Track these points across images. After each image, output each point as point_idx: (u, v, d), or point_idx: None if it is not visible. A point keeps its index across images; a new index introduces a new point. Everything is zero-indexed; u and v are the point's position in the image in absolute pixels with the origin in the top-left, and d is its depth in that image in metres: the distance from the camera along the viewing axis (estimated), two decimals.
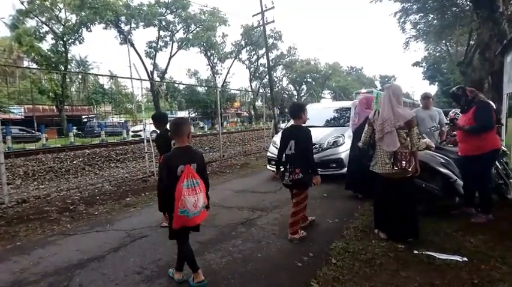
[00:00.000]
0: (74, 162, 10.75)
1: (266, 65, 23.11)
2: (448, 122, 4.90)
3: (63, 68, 25.88)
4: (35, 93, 27.17)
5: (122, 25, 28.48)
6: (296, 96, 52.66)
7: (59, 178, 8.77)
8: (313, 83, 54.58)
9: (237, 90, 40.64)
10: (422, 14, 21.56)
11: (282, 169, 3.68)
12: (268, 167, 7.57)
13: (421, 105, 5.66)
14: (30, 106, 29.23)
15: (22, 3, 23.78)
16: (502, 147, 4.29)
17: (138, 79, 8.52)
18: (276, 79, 48.02)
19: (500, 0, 9.20)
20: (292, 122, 3.86)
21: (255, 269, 2.97)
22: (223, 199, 5.55)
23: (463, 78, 19.35)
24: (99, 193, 6.46)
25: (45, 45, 25.90)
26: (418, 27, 23.76)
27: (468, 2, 16.03)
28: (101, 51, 77.80)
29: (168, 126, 4.44)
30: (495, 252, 3.05)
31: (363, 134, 3.73)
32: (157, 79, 32.88)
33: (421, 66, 40.74)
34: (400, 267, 2.86)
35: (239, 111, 53.16)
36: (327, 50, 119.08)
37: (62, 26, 25.49)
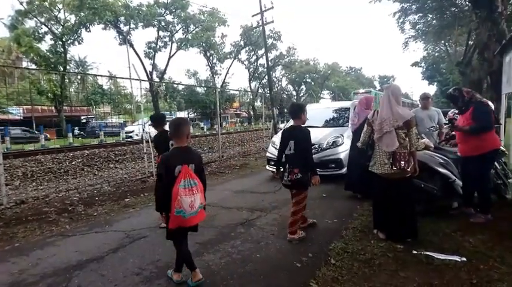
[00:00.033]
0: (73, 163, 10.74)
1: (265, 65, 23.10)
2: (447, 122, 4.90)
3: (62, 69, 25.86)
4: (34, 93, 27.12)
5: (121, 25, 28.43)
6: (295, 97, 52.60)
7: (58, 179, 8.76)
8: (312, 83, 54.56)
9: (236, 90, 40.63)
10: (421, 14, 21.59)
11: (282, 169, 3.68)
12: (267, 167, 7.57)
13: (420, 106, 5.67)
14: (29, 107, 29.20)
15: (21, 3, 23.76)
16: (501, 147, 4.30)
17: (137, 79, 8.51)
18: (275, 79, 48.02)
19: (499, 0, 9.21)
20: (291, 122, 3.86)
21: (254, 269, 2.96)
22: (223, 200, 5.55)
23: (462, 78, 19.38)
24: (98, 194, 6.46)
25: (44, 45, 25.93)
26: (417, 28, 23.80)
27: (467, 2, 16.07)
28: (100, 52, 77.86)
29: (166, 127, 4.45)
30: (494, 252, 3.05)
31: (362, 134, 3.74)
32: (157, 79, 32.85)
33: (420, 66, 40.83)
34: (399, 267, 2.87)
35: (238, 112, 53.14)
36: (326, 50, 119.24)
37: (61, 27, 25.45)
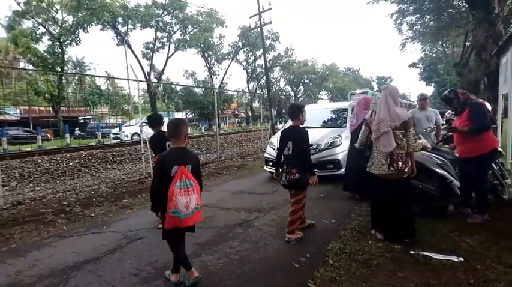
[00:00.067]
0: (70, 163, 10.69)
1: (263, 66, 23.12)
2: (444, 123, 4.93)
3: (59, 69, 25.76)
4: (31, 94, 26.99)
5: (119, 26, 28.38)
6: (293, 97, 52.70)
7: (55, 180, 8.73)
8: (310, 84, 54.68)
9: (234, 91, 40.59)
10: (418, 16, 21.73)
11: (280, 170, 3.69)
12: (265, 168, 7.57)
13: (417, 106, 5.68)
14: (26, 107, 29.07)
15: (18, 4, 23.68)
16: (498, 147, 4.32)
17: (135, 80, 8.50)
18: (273, 80, 48.10)
19: (495, 1, 9.27)
20: (290, 123, 3.87)
21: (252, 270, 2.96)
22: (221, 200, 5.54)
23: (459, 79, 19.48)
24: (96, 195, 6.44)
25: (42, 46, 25.80)
26: (414, 29, 23.94)
27: (464, 4, 16.15)
28: (98, 53, 77.68)
29: (163, 128, 4.45)
30: (491, 252, 3.06)
31: (359, 135, 3.75)
32: (155, 80, 32.83)
33: (418, 67, 41.05)
34: (396, 267, 2.87)
35: (236, 113, 53.13)
36: (324, 51, 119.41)
37: (59, 27, 25.36)
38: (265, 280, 2.79)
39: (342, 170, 6.12)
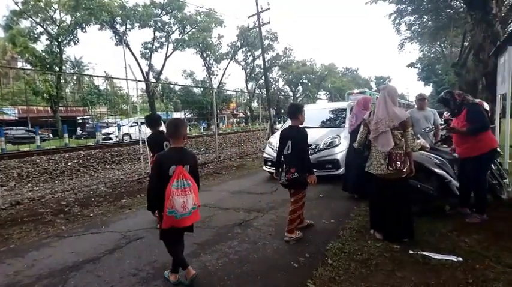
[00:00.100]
0: (69, 163, 10.67)
1: (262, 66, 23.13)
2: (443, 123, 4.94)
3: (57, 69, 25.66)
4: (29, 94, 26.93)
5: (117, 26, 28.30)
6: (292, 97, 52.73)
7: (54, 180, 8.71)
8: (309, 84, 54.74)
9: (233, 91, 40.57)
10: (417, 16, 21.75)
11: (280, 169, 3.70)
12: (264, 168, 7.57)
13: (416, 106, 5.69)
14: (24, 107, 28.98)
15: (16, 3, 23.56)
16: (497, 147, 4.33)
17: (133, 80, 8.51)
18: (271, 80, 48.09)
19: (493, 2, 9.30)
20: (289, 122, 3.88)
21: (251, 270, 2.96)
22: (220, 200, 5.54)
23: (457, 79, 19.52)
24: (94, 195, 6.43)
25: (40, 46, 25.67)
26: (412, 29, 23.96)
27: (462, 4, 16.19)
28: (96, 52, 77.59)
29: (161, 128, 4.46)
30: (490, 252, 3.07)
31: (358, 135, 3.76)
32: (153, 80, 32.77)
33: (416, 67, 41.15)
34: (395, 267, 2.88)
35: (235, 113, 53.14)
36: (323, 51, 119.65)
37: (57, 27, 25.26)
38: (264, 279, 2.79)
39: (341, 170, 6.13)
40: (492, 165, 4.41)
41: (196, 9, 32.15)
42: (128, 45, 29.17)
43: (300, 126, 3.70)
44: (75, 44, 26.35)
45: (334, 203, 5.10)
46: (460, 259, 2.96)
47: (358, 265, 2.95)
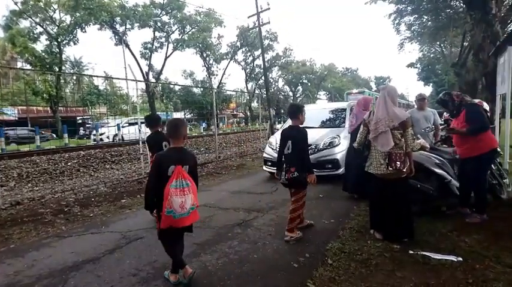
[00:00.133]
0: (69, 164, 10.67)
1: (262, 66, 23.13)
2: (443, 123, 4.94)
3: (57, 69, 25.67)
4: (29, 94, 26.91)
5: (117, 26, 28.30)
6: (292, 97, 52.74)
7: (54, 180, 8.71)
8: (309, 84, 54.74)
9: (233, 91, 40.56)
10: (416, 16, 21.75)
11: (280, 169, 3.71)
12: (264, 168, 7.57)
13: (415, 106, 5.70)
14: (24, 107, 28.96)
15: (16, 3, 23.58)
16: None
17: (133, 80, 8.50)
18: (271, 80, 48.10)
19: (493, 2, 9.31)
20: (289, 122, 3.88)
21: (251, 270, 2.96)
22: (220, 200, 5.54)
23: (457, 79, 19.51)
24: (94, 195, 6.43)
25: (39, 46, 25.69)
26: (412, 29, 23.96)
27: (462, 4, 16.19)
28: (96, 52, 77.56)
29: (160, 128, 4.46)
30: (489, 252, 3.08)
31: (358, 135, 3.76)
32: (153, 80, 32.77)
33: (416, 67, 41.13)
34: (395, 267, 2.88)
35: (235, 113, 53.15)
36: (323, 51, 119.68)
37: (56, 27, 25.27)
38: (264, 279, 2.79)
39: (341, 170, 6.14)
40: (492, 165, 4.41)
41: (196, 9, 32.22)
42: (127, 45, 29.18)
43: (300, 126, 3.71)
44: (74, 44, 26.40)
45: (334, 203, 5.11)
46: (460, 259, 2.96)
47: (358, 265, 2.95)
